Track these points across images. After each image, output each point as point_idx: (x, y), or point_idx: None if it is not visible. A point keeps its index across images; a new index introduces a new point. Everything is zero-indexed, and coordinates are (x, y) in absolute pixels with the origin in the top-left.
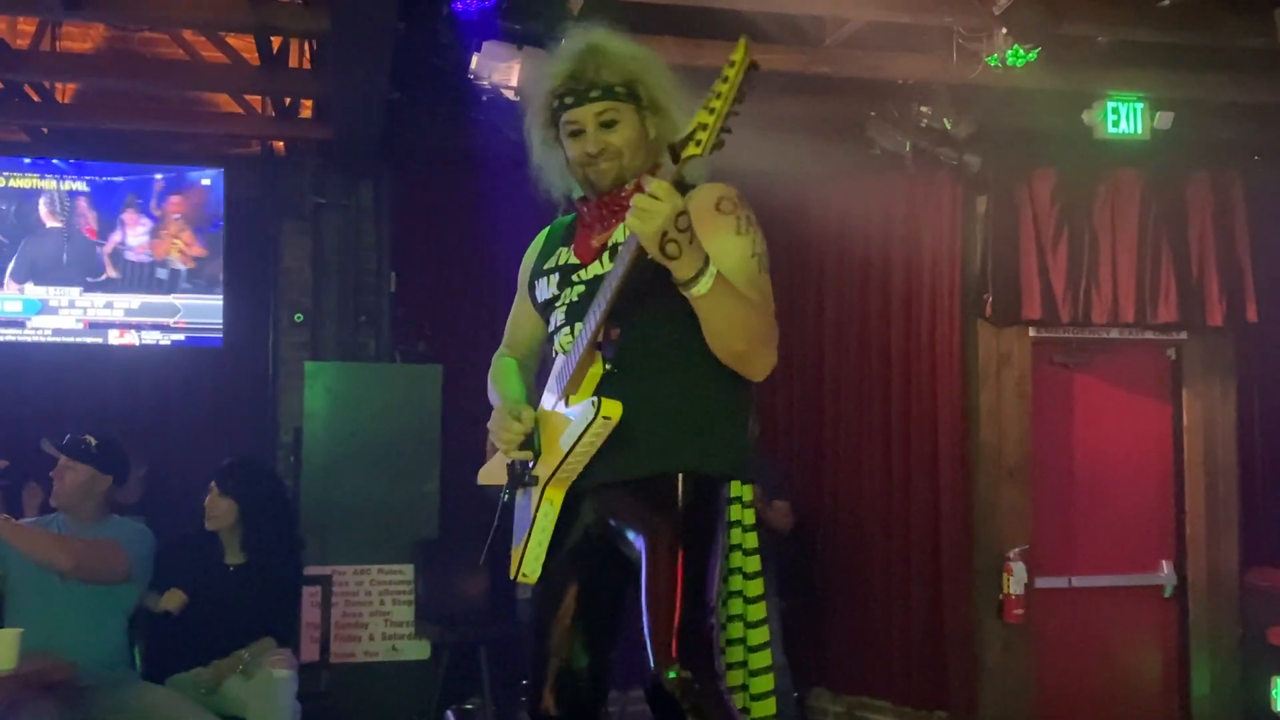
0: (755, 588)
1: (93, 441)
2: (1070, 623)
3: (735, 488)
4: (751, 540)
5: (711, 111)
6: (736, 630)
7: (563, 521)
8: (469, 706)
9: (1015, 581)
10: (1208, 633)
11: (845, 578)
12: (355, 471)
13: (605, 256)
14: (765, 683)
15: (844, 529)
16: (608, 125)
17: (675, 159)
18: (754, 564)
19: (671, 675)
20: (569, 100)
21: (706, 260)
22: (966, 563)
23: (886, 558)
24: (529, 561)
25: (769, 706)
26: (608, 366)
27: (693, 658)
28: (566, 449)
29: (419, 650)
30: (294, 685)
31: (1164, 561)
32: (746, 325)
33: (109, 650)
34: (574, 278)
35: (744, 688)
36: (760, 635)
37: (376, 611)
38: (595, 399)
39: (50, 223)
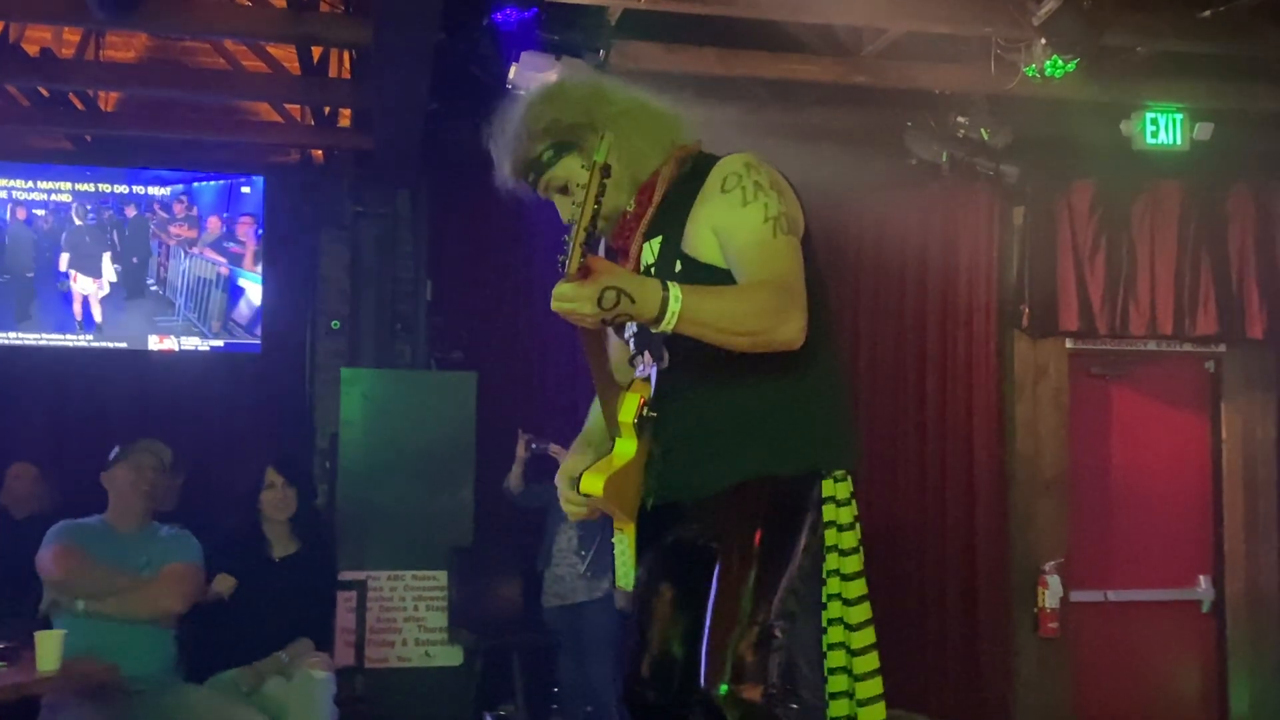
0: (855, 588)
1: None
2: (1106, 637)
3: (828, 487)
4: (849, 540)
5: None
6: (837, 634)
7: (644, 536)
8: (502, 713)
9: (1050, 595)
10: (1247, 649)
11: (880, 590)
12: (391, 477)
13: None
14: (873, 687)
15: (879, 541)
16: (562, 192)
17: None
18: (852, 564)
19: (723, 690)
20: (527, 185)
21: (663, 299)
22: (1002, 576)
23: (921, 570)
24: (622, 575)
25: (878, 712)
26: (646, 404)
27: (744, 674)
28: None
29: (452, 656)
30: (332, 687)
31: (1201, 576)
32: (737, 323)
33: (154, 655)
34: None
35: (849, 694)
36: (864, 638)
37: (410, 617)
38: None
39: (90, 229)
